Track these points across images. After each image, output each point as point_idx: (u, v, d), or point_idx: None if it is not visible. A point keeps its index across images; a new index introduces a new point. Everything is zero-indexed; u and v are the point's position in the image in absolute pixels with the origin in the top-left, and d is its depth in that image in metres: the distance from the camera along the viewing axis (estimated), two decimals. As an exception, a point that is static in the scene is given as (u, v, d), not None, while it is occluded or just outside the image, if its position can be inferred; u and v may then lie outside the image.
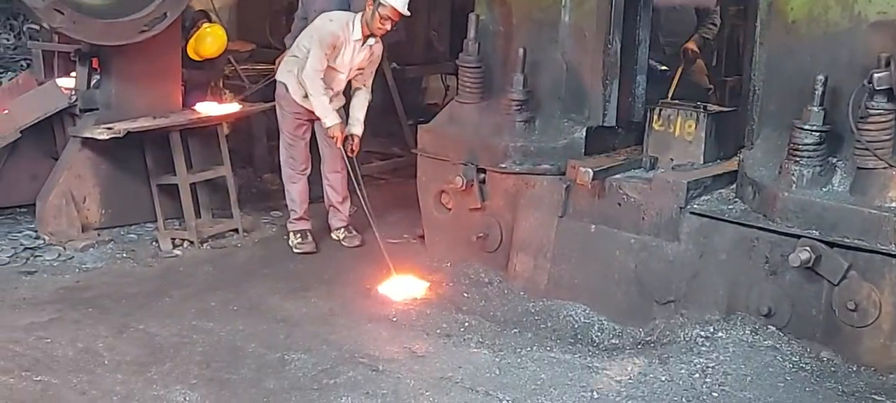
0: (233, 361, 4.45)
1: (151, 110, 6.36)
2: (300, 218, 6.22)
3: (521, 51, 5.45)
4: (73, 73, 6.55)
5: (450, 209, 5.91)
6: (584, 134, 5.47)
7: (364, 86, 6.13)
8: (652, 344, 4.77)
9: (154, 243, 6.21)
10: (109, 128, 5.86)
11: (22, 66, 9.04)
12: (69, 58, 6.57)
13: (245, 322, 4.93)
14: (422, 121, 8.64)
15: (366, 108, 6.12)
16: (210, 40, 6.84)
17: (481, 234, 5.68)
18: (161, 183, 6.32)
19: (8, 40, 9.31)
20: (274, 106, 6.43)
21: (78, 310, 4.97)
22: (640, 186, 5.06)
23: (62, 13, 5.61)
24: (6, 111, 6.21)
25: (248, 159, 7.88)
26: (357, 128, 6.06)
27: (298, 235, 6.21)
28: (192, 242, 6.14)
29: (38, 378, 4.14)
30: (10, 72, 8.96)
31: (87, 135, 5.92)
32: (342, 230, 6.41)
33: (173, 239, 6.18)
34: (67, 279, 5.56)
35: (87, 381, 4.14)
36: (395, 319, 5.05)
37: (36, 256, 5.85)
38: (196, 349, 4.54)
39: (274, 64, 7.26)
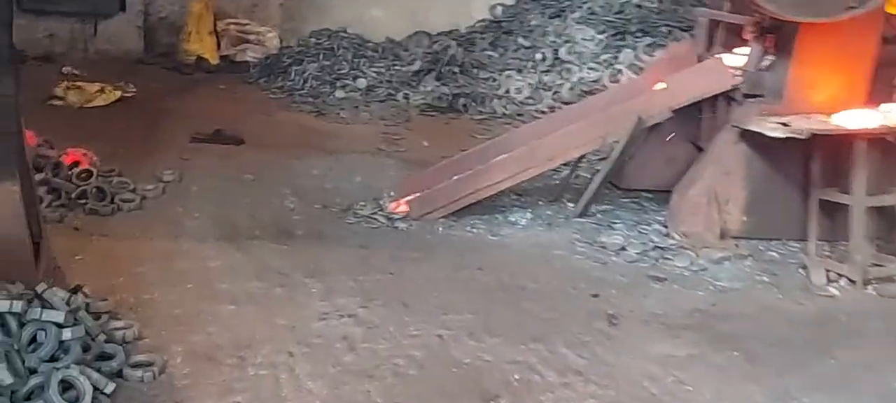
0: None
1: (829, 107, 5.09)
2: None
3: None
4: (737, 50, 5.56)
5: None
6: None
7: None
8: None
9: (801, 270, 4.98)
10: (785, 125, 4.71)
11: (662, 31, 8.45)
12: (738, 32, 5.58)
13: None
14: None
15: None
16: None
17: None
18: (825, 198, 5.03)
19: (651, 3, 8.72)
20: None
21: (720, 351, 3.98)
22: None
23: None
24: (663, 84, 5.45)
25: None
26: None
27: None
28: (853, 281, 4.77)
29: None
30: (648, 37, 8.42)
31: (755, 128, 4.86)
32: None
33: (827, 271, 4.87)
34: (701, 297, 4.62)
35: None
36: None
37: (665, 258, 5.02)
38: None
39: None
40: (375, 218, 5.47)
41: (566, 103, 8.20)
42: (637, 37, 8.46)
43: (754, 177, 5.24)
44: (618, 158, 5.40)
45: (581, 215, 5.50)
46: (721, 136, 5.30)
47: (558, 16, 8.96)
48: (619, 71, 8.20)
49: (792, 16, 4.76)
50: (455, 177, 5.57)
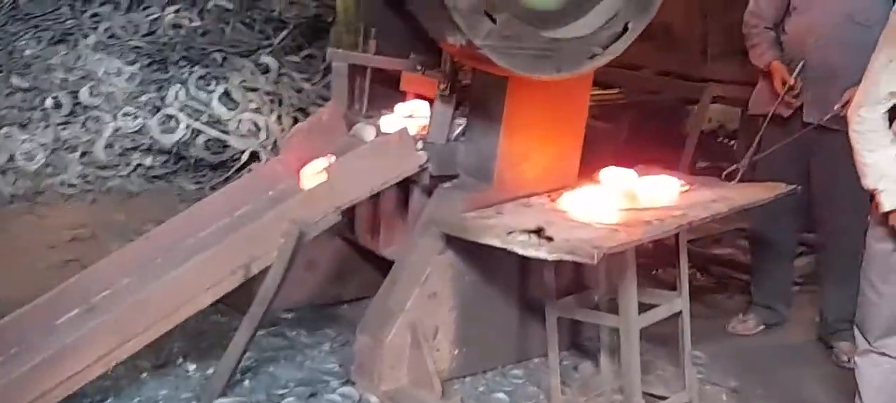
0: None
1: (542, 183, 3.79)
2: None
3: None
4: (402, 108, 4.00)
5: None
6: None
7: None
8: None
9: (547, 423, 3.62)
10: (543, 237, 3.14)
11: (215, 59, 6.51)
12: (394, 84, 4.03)
13: None
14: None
15: None
16: None
17: None
18: (569, 317, 3.70)
19: (191, 22, 6.68)
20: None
21: None
22: None
23: (494, 21, 3.01)
24: (320, 172, 3.63)
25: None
26: None
27: None
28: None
29: None
30: (198, 67, 6.42)
31: (499, 245, 3.25)
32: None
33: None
34: None
35: None
36: None
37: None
38: None
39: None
40: None
41: (103, 167, 5.88)
42: (182, 67, 6.37)
43: (465, 293, 3.72)
44: (273, 295, 3.46)
45: (224, 392, 3.48)
46: (420, 244, 3.66)
47: (63, 41, 6.45)
48: (172, 117, 6.08)
49: (529, 73, 3.28)
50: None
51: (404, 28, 4.02)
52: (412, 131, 3.82)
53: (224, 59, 6.47)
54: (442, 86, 3.66)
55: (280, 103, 6.41)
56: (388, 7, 4.00)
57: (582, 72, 3.42)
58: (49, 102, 6.01)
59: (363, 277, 4.46)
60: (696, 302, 4.80)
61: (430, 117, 3.78)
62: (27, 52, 6.33)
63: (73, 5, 6.66)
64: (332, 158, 3.75)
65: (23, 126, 5.86)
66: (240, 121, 6.21)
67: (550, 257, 3.11)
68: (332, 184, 3.55)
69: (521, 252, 3.18)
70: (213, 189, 5.91)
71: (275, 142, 6.11)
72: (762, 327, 4.52)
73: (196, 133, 6.11)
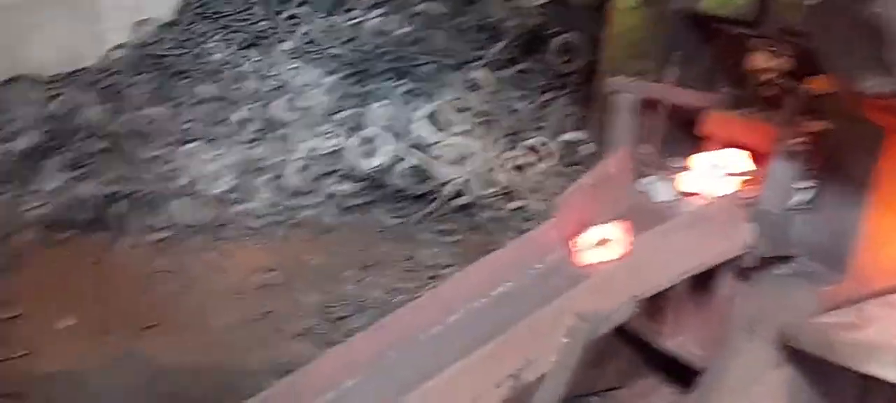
0: None
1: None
2: None
3: None
4: (704, 158, 2.99)
5: None
6: None
7: None
8: None
9: None
10: None
11: (425, 71, 5.67)
12: (689, 123, 3.04)
13: None
14: None
15: None
16: None
17: None
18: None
19: (399, 27, 5.82)
20: None
21: None
22: None
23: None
24: (613, 246, 2.69)
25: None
26: None
27: None
28: None
29: None
30: (405, 80, 5.61)
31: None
32: None
33: None
34: None
35: None
36: None
37: None
38: None
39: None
40: None
41: (296, 194, 5.14)
42: (388, 79, 5.57)
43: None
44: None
45: None
46: (744, 352, 2.66)
47: (255, 45, 5.77)
48: (371, 140, 5.27)
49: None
50: None
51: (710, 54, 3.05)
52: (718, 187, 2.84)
53: (438, 70, 5.61)
54: (794, 139, 2.62)
55: (492, 126, 5.50)
56: (696, 26, 3.01)
57: None
58: (237, 116, 5.32)
59: (621, 363, 3.53)
60: None
61: (766, 177, 2.75)
62: (214, 55, 5.67)
63: (267, 4, 5.98)
64: (620, 227, 2.79)
65: (210, 141, 5.17)
66: (447, 146, 5.34)
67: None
68: (636, 265, 2.58)
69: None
70: (417, 224, 5.11)
71: (490, 170, 5.22)
72: None
73: (398, 158, 5.29)
